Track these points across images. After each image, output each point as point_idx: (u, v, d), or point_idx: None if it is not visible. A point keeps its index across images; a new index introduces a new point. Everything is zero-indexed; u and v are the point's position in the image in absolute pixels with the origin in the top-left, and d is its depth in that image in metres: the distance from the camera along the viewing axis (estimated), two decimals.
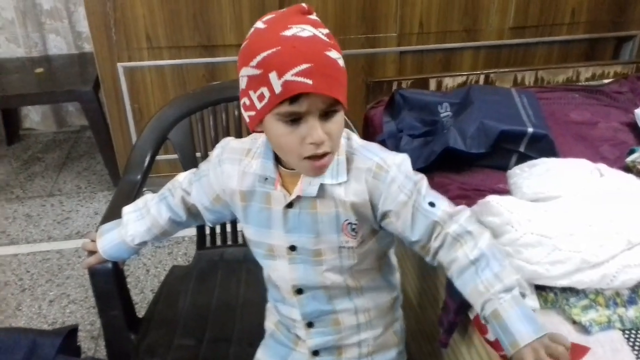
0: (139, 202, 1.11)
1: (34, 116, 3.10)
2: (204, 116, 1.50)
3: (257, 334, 1.17)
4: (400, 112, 1.58)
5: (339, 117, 0.81)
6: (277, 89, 0.75)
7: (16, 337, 1.12)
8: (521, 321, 0.81)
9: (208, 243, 1.60)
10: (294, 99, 0.76)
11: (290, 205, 0.90)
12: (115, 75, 2.32)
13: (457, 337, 1.18)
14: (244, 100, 0.81)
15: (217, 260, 1.56)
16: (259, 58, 0.76)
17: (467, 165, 1.41)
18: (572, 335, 0.99)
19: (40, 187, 2.67)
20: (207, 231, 1.58)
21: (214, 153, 0.99)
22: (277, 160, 0.90)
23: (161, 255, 2.21)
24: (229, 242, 1.61)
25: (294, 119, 0.78)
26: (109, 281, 1.23)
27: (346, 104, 0.82)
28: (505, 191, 1.28)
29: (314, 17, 0.81)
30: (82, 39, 2.90)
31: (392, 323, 1.07)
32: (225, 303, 1.40)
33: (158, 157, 1.49)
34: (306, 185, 0.87)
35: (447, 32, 2.40)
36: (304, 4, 0.82)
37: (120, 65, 2.30)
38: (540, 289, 1.04)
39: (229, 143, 0.98)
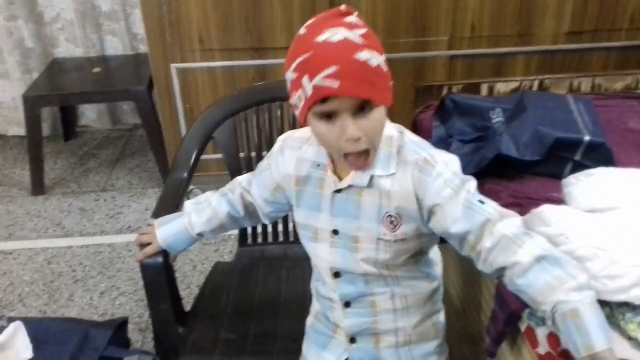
0: (201, 197, 1.19)
1: (90, 114, 3.21)
2: (248, 116, 1.53)
3: (300, 331, 1.19)
4: (451, 117, 1.56)
5: (376, 114, 0.84)
6: (309, 92, 0.81)
7: (69, 328, 1.17)
8: (600, 327, 0.81)
9: (249, 240, 1.63)
10: (324, 100, 0.81)
11: (339, 190, 0.94)
12: (168, 76, 2.37)
13: (505, 347, 1.15)
14: (292, 100, 0.87)
15: (258, 258, 1.59)
16: (295, 63, 0.82)
17: (520, 173, 1.38)
18: (627, 352, 0.95)
19: (94, 182, 2.76)
20: (249, 229, 1.60)
21: (276, 145, 1.05)
22: None
23: (207, 252, 2.25)
24: (270, 240, 1.63)
25: (329, 115, 0.83)
26: (159, 274, 1.26)
27: (386, 100, 0.85)
28: (559, 200, 1.24)
29: (351, 18, 0.83)
30: (138, 40, 2.99)
31: (431, 314, 1.07)
32: (267, 300, 1.42)
33: (206, 157, 1.52)
34: (359, 174, 0.91)
35: (499, 36, 2.35)
36: (342, 6, 0.84)
37: (173, 66, 2.35)
38: None
39: (292, 134, 1.04)
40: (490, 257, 0.88)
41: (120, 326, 1.26)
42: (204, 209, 1.16)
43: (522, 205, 1.26)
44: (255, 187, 1.11)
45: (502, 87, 1.82)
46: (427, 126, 1.63)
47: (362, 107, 0.83)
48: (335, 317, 1.07)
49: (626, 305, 1.00)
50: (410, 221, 0.92)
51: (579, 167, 1.32)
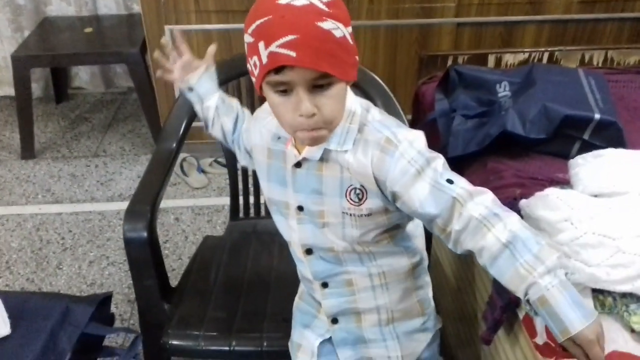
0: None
1: (83, 75, 3.13)
2: (241, 84, 1.47)
3: (290, 310, 1.16)
4: (455, 90, 1.49)
5: (335, 90, 0.80)
6: (264, 59, 0.76)
7: (50, 303, 1.13)
8: (571, 308, 0.77)
9: (241, 214, 1.58)
10: (278, 70, 0.76)
11: (299, 165, 0.91)
12: (162, 38, 2.29)
13: (502, 335, 1.12)
14: (248, 66, 0.82)
15: (249, 232, 1.54)
16: (253, 26, 0.77)
17: (525, 151, 1.33)
18: (630, 345, 0.93)
19: (85, 147, 2.70)
20: (241, 201, 1.55)
21: (256, 111, 1.02)
22: None
23: (200, 223, 2.21)
24: (262, 214, 1.59)
25: (284, 90, 0.79)
26: (143, 251, 1.23)
27: (350, 76, 0.81)
28: (564, 181, 1.20)
29: None
30: None
31: (414, 290, 1.03)
32: (258, 276, 1.39)
33: (199, 124, 1.46)
34: (313, 149, 0.88)
35: (509, 3, 2.26)
36: None
37: (167, 28, 2.27)
38: (597, 292, 0.98)
39: (266, 103, 1.00)
40: (460, 239, 0.84)
41: (103, 301, 1.22)
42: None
43: (525, 185, 1.20)
44: (245, 125, 1.07)
45: (510, 58, 1.74)
46: (430, 99, 1.56)
47: (320, 83, 0.78)
48: (315, 295, 1.06)
49: (630, 296, 0.97)
50: (374, 197, 0.88)
51: (587, 146, 1.27)
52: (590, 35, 2.36)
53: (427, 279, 1.07)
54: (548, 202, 1.03)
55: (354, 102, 0.88)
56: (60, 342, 1.09)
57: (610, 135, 1.28)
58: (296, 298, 1.14)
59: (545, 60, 1.75)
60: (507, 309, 1.05)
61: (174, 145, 1.39)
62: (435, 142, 1.42)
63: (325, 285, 1.01)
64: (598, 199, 1.05)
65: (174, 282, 1.39)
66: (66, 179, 2.47)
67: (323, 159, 0.88)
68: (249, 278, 1.38)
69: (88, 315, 1.14)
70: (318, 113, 0.79)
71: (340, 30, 0.77)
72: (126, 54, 2.49)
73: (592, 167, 1.13)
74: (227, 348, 1.21)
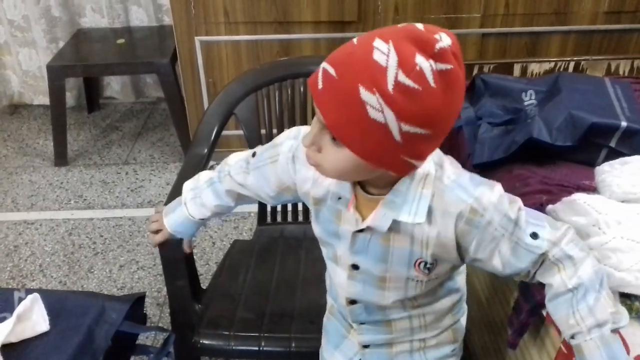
0: (199, 179, 1.08)
1: (114, 85, 3.21)
2: (270, 92, 1.50)
3: (318, 312, 1.18)
4: (481, 98, 1.50)
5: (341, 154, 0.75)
6: None
7: (87, 301, 1.16)
8: None
9: (269, 219, 1.61)
10: None
11: (361, 229, 0.83)
12: (192, 49, 2.34)
13: (528, 339, 1.12)
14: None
15: (277, 237, 1.57)
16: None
17: (551, 158, 1.33)
18: None
19: (116, 155, 2.76)
20: (269, 208, 1.59)
21: (286, 145, 0.91)
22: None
23: (227, 229, 2.24)
24: (289, 220, 1.62)
25: None
26: (176, 251, 1.25)
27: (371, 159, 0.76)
28: (591, 188, 1.19)
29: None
30: (163, 11, 2.96)
31: (450, 325, 1.02)
32: (285, 279, 1.41)
33: (228, 132, 1.49)
34: (380, 217, 0.80)
35: (534, 14, 2.26)
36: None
37: (197, 39, 2.32)
38: (625, 297, 0.98)
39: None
40: (535, 277, 0.85)
41: (137, 301, 1.25)
42: (197, 196, 1.06)
43: (552, 192, 1.21)
44: (253, 181, 0.98)
45: (536, 67, 1.75)
46: None
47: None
48: (353, 326, 1.03)
49: None
50: (446, 263, 0.85)
51: (614, 154, 1.27)
52: (616, 46, 2.35)
53: (464, 307, 1.05)
54: (575, 207, 1.03)
55: (427, 160, 0.76)
56: (96, 339, 1.12)
57: (636, 143, 1.27)
58: (326, 312, 1.12)
59: (571, 69, 1.75)
60: (533, 312, 1.05)
61: (206, 150, 1.42)
62: (461, 150, 1.44)
63: (362, 322, 0.99)
64: (626, 204, 1.05)
65: (202, 285, 1.42)
66: (97, 185, 2.54)
67: (392, 229, 0.80)
68: (277, 281, 1.40)
69: (123, 314, 1.17)
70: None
71: (390, 119, 0.70)
72: (157, 65, 2.56)
73: (619, 173, 1.13)
74: (256, 348, 1.24)
